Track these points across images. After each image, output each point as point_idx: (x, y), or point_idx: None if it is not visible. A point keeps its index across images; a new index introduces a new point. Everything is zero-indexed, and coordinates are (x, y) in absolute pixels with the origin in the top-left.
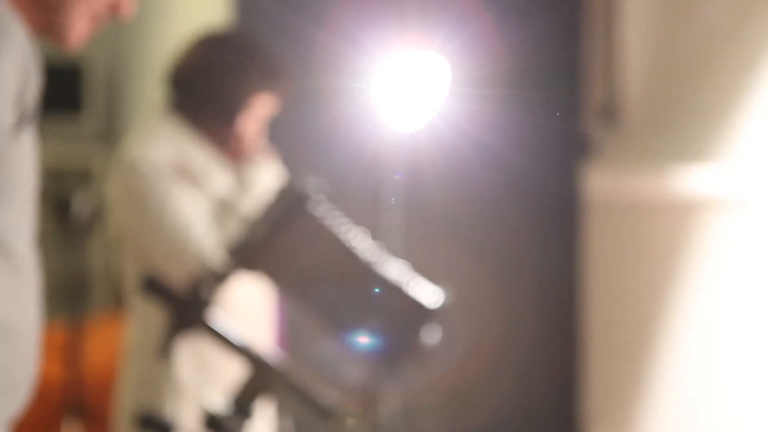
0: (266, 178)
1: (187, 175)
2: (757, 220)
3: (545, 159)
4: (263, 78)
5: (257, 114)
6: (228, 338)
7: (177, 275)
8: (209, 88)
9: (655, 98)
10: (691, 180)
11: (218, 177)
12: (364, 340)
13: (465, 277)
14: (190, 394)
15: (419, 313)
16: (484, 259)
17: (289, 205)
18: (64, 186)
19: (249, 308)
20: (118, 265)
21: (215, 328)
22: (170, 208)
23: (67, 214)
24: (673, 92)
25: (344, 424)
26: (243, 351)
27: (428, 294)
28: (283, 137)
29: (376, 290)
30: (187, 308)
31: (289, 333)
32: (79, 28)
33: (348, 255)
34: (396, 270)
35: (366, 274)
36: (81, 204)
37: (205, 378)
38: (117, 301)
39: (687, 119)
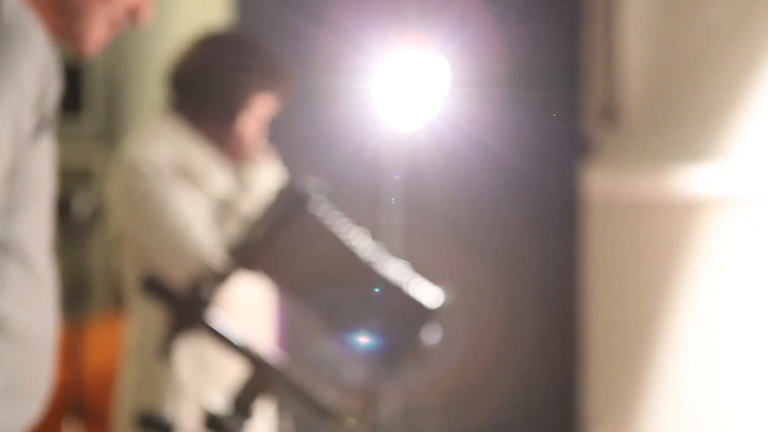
0: (266, 178)
1: (187, 175)
2: (757, 220)
3: (545, 159)
4: (263, 78)
5: (257, 114)
6: (228, 338)
7: (177, 275)
8: (209, 88)
9: (655, 98)
10: (691, 180)
11: (218, 177)
12: (364, 340)
13: (465, 277)
14: (190, 394)
15: (419, 313)
16: (484, 259)
17: (289, 205)
18: (64, 186)
19: (249, 308)
20: (118, 265)
21: (215, 328)
22: (170, 208)
23: (67, 214)
24: (673, 92)
25: (344, 424)
26: (243, 351)
27: (428, 294)
28: (283, 137)
29: (376, 290)
30: (187, 308)
31: (289, 333)
32: (98, 34)
33: (348, 255)
34: (396, 270)
35: (366, 274)
36: (81, 204)
37: (205, 378)
38: (117, 301)
39: (687, 119)
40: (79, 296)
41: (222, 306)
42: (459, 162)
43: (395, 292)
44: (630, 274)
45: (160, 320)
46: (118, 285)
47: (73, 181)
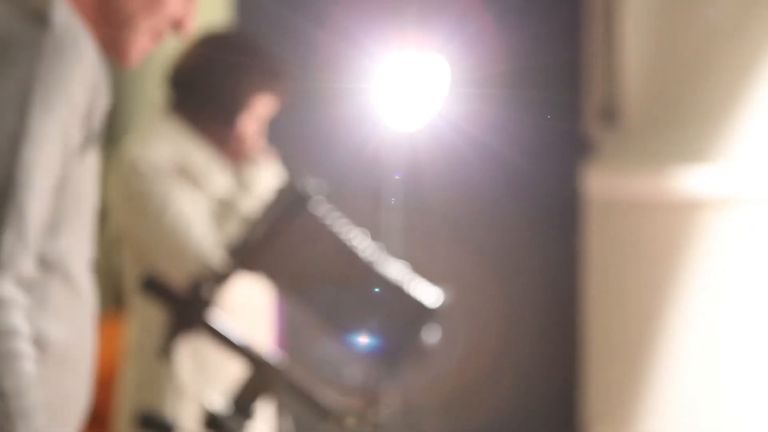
0: (266, 178)
1: (187, 175)
2: (757, 220)
3: (545, 159)
4: (263, 78)
5: (257, 114)
6: (228, 338)
7: (177, 275)
8: (209, 88)
9: (655, 98)
10: (691, 180)
11: (218, 177)
12: (364, 340)
13: (465, 277)
14: (190, 394)
15: (419, 313)
16: (484, 259)
17: (289, 205)
18: None
19: (249, 308)
20: (118, 265)
21: (215, 328)
22: (170, 208)
23: None
24: (673, 92)
25: (344, 424)
26: (243, 351)
27: (428, 294)
28: (283, 137)
29: (377, 290)
30: (187, 308)
31: (289, 333)
32: (141, 45)
33: (348, 255)
34: (396, 270)
35: (366, 274)
36: None
37: (205, 378)
38: (117, 301)
39: (687, 119)
40: None
41: (222, 306)
42: (459, 162)
43: (395, 292)
44: (630, 274)
45: (160, 320)
46: (118, 285)
47: None
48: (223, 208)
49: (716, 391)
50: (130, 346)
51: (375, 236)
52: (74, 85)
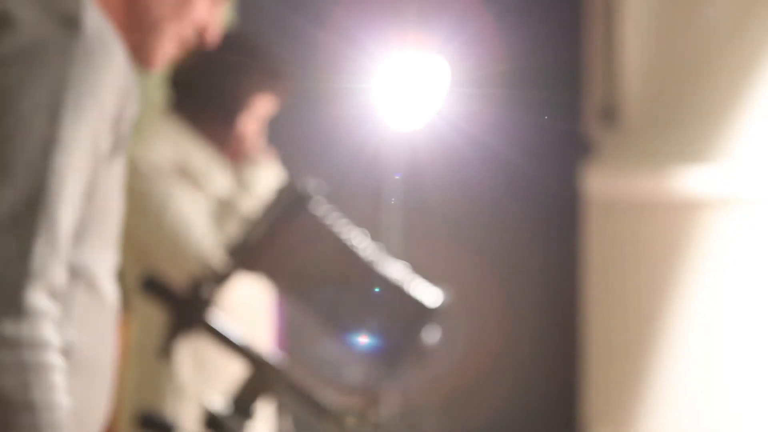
0: (266, 178)
1: (187, 175)
2: (757, 220)
3: (545, 159)
4: (263, 78)
5: (257, 114)
6: (228, 338)
7: (177, 275)
8: (209, 88)
9: (655, 98)
10: (691, 180)
11: (218, 177)
12: (364, 340)
13: (465, 277)
14: (190, 394)
15: (419, 313)
16: (484, 259)
17: (289, 205)
18: None
19: (249, 308)
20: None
21: (215, 328)
22: (170, 208)
23: None
24: (673, 92)
25: (344, 424)
26: (243, 351)
27: (428, 294)
28: (283, 137)
29: (377, 290)
30: (187, 308)
31: (289, 333)
32: (166, 51)
33: (348, 255)
34: (396, 270)
35: (366, 274)
36: None
37: (205, 378)
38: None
39: (687, 119)
40: None
41: (222, 306)
42: (459, 162)
43: (395, 293)
44: (630, 273)
45: (160, 320)
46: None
47: None
48: (223, 208)
49: (716, 391)
50: (130, 346)
51: (375, 236)
52: (105, 91)
